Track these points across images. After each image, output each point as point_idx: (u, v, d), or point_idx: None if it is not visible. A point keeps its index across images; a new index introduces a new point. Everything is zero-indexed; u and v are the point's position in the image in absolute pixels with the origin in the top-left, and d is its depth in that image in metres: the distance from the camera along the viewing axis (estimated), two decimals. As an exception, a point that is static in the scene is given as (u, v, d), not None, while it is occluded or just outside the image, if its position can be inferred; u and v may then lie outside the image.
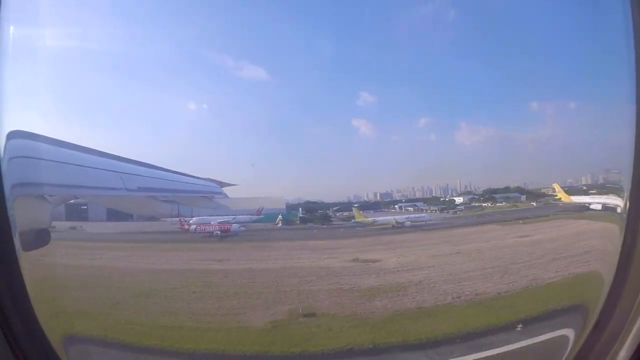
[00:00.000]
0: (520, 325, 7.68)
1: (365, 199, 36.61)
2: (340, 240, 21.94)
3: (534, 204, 23.27)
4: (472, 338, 7.52)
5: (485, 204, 25.42)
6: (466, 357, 7.10)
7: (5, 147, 3.80)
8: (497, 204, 24.81)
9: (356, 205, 34.28)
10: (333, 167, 32.90)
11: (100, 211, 30.77)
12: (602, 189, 15.53)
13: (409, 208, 29.66)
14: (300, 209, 31.88)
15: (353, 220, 25.70)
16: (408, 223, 22.87)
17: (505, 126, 29.99)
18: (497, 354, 6.99)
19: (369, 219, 25.24)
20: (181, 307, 12.82)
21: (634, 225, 2.67)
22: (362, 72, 30.41)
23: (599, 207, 11.36)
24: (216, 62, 31.51)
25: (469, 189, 30.77)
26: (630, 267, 2.66)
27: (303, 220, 29.57)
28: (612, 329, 2.63)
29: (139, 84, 33.16)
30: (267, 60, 30.37)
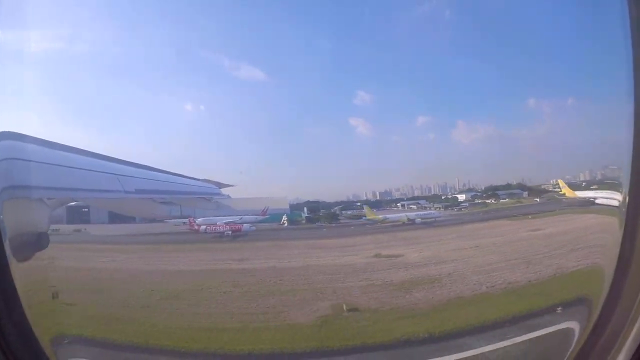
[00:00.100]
0: (559, 308, 8.56)
1: (365, 198, 37.21)
2: (354, 238, 22.67)
3: (538, 199, 24.45)
4: (520, 320, 8.37)
5: (489, 201, 26.76)
6: (488, 346, 7.87)
7: None
8: (501, 201, 26.18)
9: (358, 203, 35.30)
10: (331, 167, 32.93)
11: (102, 214, 30.39)
12: (601, 185, 16.71)
13: (412, 206, 30.66)
14: (305, 208, 32.39)
15: (364, 218, 26.48)
16: (419, 220, 23.87)
17: (503, 124, 30.52)
18: (540, 336, 7.76)
19: (380, 217, 26.11)
20: (216, 308, 13.00)
21: (634, 220, 2.73)
22: (360, 71, 30.61)
23: (605, 201, 12.33)
24: (213, 62, 31.52)
25: (468, 187, 32.10)
26: (631, 264, 2.71)
27: (309, 220, 30.12)
28: (613, 326, 2.69)
29: (135, 85, 32.78)
30: (264, 61, 30.52)
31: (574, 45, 22.37)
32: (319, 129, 34.43)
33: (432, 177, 33.62)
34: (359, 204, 35.30)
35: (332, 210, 31.88)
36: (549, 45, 22.66)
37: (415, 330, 9.09)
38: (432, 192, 36.14)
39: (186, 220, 31.12)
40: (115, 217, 29.86)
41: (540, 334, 7.54)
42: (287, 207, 32.58)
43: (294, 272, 16.50)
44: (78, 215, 28.96)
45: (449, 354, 7.77)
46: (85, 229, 28.22)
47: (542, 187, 25.25)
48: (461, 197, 28.72)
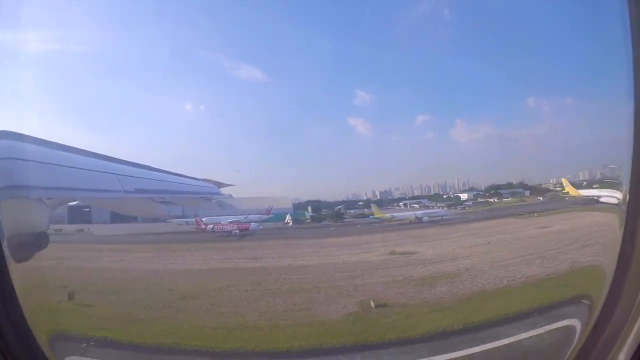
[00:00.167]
0: (586, 301, 9.16)
1: (365, 197, 37.79)
2: (363, 236, 23.14)
3: (541, 198, 25.18)
4: (549, 310, 8.97)
5: (491, 200, 27.63)
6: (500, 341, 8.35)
7: None
8: (503, 200, 27.05)
9: (360, 203, 35.88)
10: (331, 167, 33.60)
11: (104, 213, 30.22)
12: (603, 184, 17.44)
13: (415, 205, 31.33)
14: (308, 207, 32.75)
15: (371, 217, 27.03)
16: (426, 218, 24.53)
17: (503, 124, 31.16)
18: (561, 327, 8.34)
19: (387, 215, 26.71)
20: (241, 307, 13.11)
21: (634, 219, 2.75)
22: (360, 71, 31.24)
23: (610, 200, 12.99)
24: (213, 62, 31.82)
25: (467, 187, 32.92)
26: (631, 263, 2.74)
27: (314, 219, 30.50)
28: (614, 324, 2.72)
29: (135, 85, 32.85)
30: (264, 61, 30.92)
31: (574, 45, 22.93)
32: (318, 129, 34.95)
33: (431, 177, 34.22)
34: (361, 203, 35.89)
35: (336, 209, 32.40)
36: (549, 44, 23.14)
37: (449, 322, 9.54)
38: (432, 192, 36.97)
39: (189, 219, 31.23)
40: (116, 217, 29.74)
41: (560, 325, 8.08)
42: (291, 206, 32.91)
43: (311, 270, 16.83)
44: (79, 215, 28.73)
45: (483, 344, 8.30)
46: (88, 229, 28.08)
47: (543, 186, 26.15)
48: (463, 196, 29.49)
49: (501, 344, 8.24)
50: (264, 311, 12.41)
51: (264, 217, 30.18)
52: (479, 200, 27.94)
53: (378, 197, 38.16)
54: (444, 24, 29.76)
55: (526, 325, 8.59)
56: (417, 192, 36.64)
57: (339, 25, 29.42)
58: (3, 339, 2.86)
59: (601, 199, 15.98)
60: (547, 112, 28.01)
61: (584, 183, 20.66)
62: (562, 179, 22.13)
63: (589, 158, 21.44)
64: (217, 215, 29.97)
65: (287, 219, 30.91)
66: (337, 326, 10.57)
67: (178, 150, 30.34)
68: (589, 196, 18.53)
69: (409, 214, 26.05)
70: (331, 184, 34.11)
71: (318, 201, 34.57)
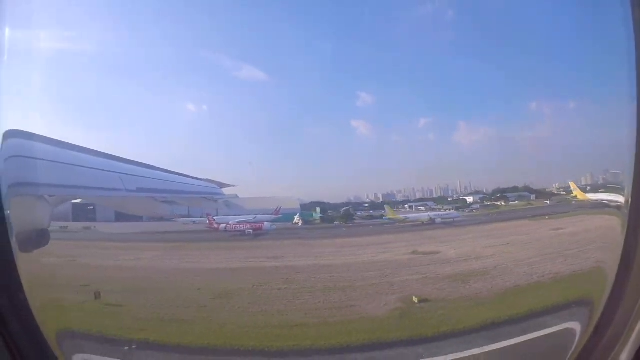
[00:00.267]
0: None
1: (366, 199, 38.60)
2: (379, 237, 23.98)
3: (548, 202, 26.54)
4: (587, 304, 9.99)
5: (498, 203, 29.00)
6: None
7: (2, 146, 3.93)
8: (510, 203, 28.42)
9: (366, 204, 36.76)
10: (333, 168, 33.96)
11: (109, 212, 30.07)
12: (607, 188, 18.40)
13: (421, 207, 32.42)
14: (317, 208, 33.36)
15: (385, 217, 27.93)
16: (439, 220, 25.65)
17: (505, 126, 31.89)
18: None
19: (401, 216, 27.69)
20: (281, 305, 13.52)
21: (636, 222, 2.83)
22: (362, 72, 31.26)
23: (619, 204, 13.96)
24: (214, 62, 32.10)
25: (469, 190, 34.24)
26: (633, 266, 2.81)
27: (324, 220, 31.15)
28: (615, 326, 2.81)
29: (138, 85, 32.79)
30: (265, 61, 31.15)
31: (577, 47, 23.27)
32: (320, 130, 35.39)
33: (433, 179, 35.00)
34: (366, 205, 36.86)
35: (343, 211, 33.15)
36: (552, 46, 23.41)
37: (493, 315, 10.46)
38: (434, 194, 38.28)
39: (196, 219, 31.44)
40: (121, 216, 29.65)
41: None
42: (298, 207, 33.48)
43: (339, 269, 17.46)
44: (84, 213, 28.56)
45: (533, 332, 9.22)
46: (94, 227, 27.84)
47: (547, 190, 27.58)
48: (469, 199, 30.75)
49: (545, 333, 9.18)
50: (308, 309, 12.94)
51: (273, 217, 30.62)
52: (486, 203, 29.22)
53: (381, 199, 39.17)
54: (447, 25, 30.03)
55: (572, 315, 9.53)
56: (419, 195, 37.68)
57: (341, 25, 29.88)
58: (11, 337, 2.88)
59: (610, 203, 16.84)
60: (550, 115, 28.35)
61: (588, 188, 21.89)
62: (570, 183, 23.13)
63: (592, 162, 22.10)
64: (224, 215, 30.34)
65: (295, 219, 31.44)
66: (386, 321, 11.30)
67: (180, 150, 30.41)
68: (597, 200, 19.38)
69: (423, 216, 27.11)
70: (333, 186, 34.52)
71: (319, 202, 35.29)
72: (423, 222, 26.00)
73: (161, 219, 29.10)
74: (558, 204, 24.82)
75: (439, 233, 22.96)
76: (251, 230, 26.60)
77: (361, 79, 31.28)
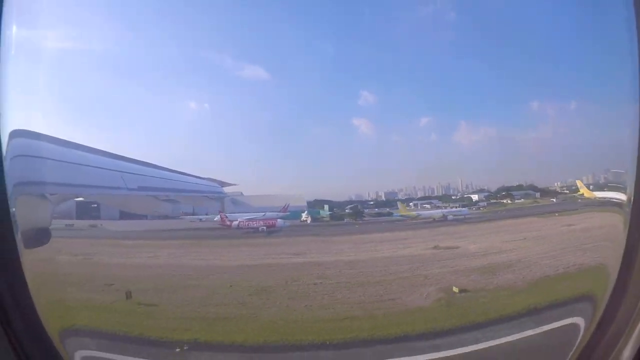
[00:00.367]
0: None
1: (368, 197, 39.55)
2: (395, 233, 24.71)
3: (554, 199, 27.93)
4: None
5: (504, 201, 30.50)
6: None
7: (7, 145, 3.96)
8: (516, 201, 29.96)
9: (371, 202, 37.72)
10: (334, 167, 34.58)
11: (113, 210, 29.86)
12: (610, 187, 19.62)
13: (426, 205, 33.63)
14: (325, 206, 34.01)
15: (397, 214, 28.90)
16: (451, 217, 26.87)
17: (506, 126, 33.35)
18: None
19: (414, 213, 28.76)
20: (323, 299, 13.77)
21: (638, 221, 2.89)
22: (364, 71, 32.03)
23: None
24: (216, 62, 32.61)
25: (470, 188, 35.71)
26: (635, 265, 2.89)
27: (333, 217, 31.86)
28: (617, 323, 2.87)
29: (140, 85, 33.03)
30: (267, 60, 31.69)
31: (578, 48, 24.12)
32: (321, 129, 36.35)
33: (435, 178, 36.11)
34: (371, 202, 37.82)
35: (348, 208, 33.99)
36: (553, 47, 24.28)
37: (533, 301, 11.41)
38: (435, 193, 39.66)
39: (202, 217, 31.59)
40: (125, 213, 29.49)
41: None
42: (305, 204, 34.07)
43: (366, 264, 18.02)
44: (88, 211, 28.23)
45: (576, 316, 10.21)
46: (101, 225, 27.56)
47: (550, 188, 29.18)
48: (474, 197, 32.16)
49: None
50: (351, 303, 13.21)
51: (281, 214, 31.11)
52: (492, 201, 30.67)
53: (384, 198, 40.30)
54: (449, 25, 30.94)
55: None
56: (420, 194, 38.97)
57: (342, 25, 30.55)
58: (15, 335, 2.91)
59: (618, 201, 17.96)
60: (551, 115, 29.71)
61: (590, 186, 23.34)
62: (576, 181, 24.31)
63: (594, 161, 23.14)
64: (231, 213, 30.63)
65: (303, 216, 31.99)
66: (434, 311, 11.87)
67: (181, 149, 30.62)
68: (604, 198, 20.02)
69: (435, 212, 28.27)
70: (334, 184, 35.14)
71: (325, 200, 35.94)
72: (435, 219, 27.16)
73: (166, 216, 29.11)
74: (564, 202, 26.13)
75: (453, 229, 23.99)
76: (264, 228, 26.98)
77: (363, 78, 32.04)
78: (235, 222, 27.42)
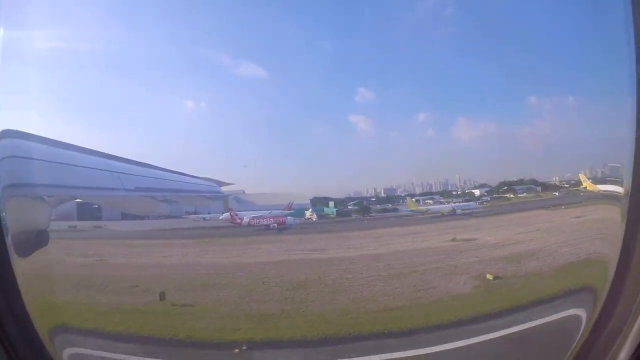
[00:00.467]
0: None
1: (366, 194, 40.42)
2: (407, 227, 25.53)
3: (557, 193, 29.21)
4: None
5: (507, 195, 31.97)
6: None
7: None
8: (519, 195, 31.43)
9: (373, 199, 38.59)
10: (332, 164, 34.52)
11: (114, 210, 29.47)
12: (609, 180, 20.85)
13: (428, 201, 34.80)
14: (330, 202, 34.53)
15: (407, 209, 29.80)
16: (459, 211, 28.03)
17: (504, 122, 33.46)
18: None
19: (423, 208, 29.74)
20: (363, 292, 14.20)
21: (636, 214, 2.96)
22: (362, 68, 32.04)
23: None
24: (213, 60, 32.52)
25: (468, 184, 37.15)
26: (630, 266, 2.96)
27: (339, 213, 32.45)
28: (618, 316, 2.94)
29: (136, 83, 32.65)
30: (264, 58, 31.80)
31: (576, 43, 23.72)
32: (319, 127, 36.49)
33: (432, 174, 36.95)
34: (373, 199, 38.70)
35: (356, 203, 34.72)
36: (551, 43, 24.35)
37: (564, 285, 12.33)
38: (434, 189, 41.01)
39: (206, 215, 31.52)
40: (127, 214, 29.14)
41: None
42: (308, 202, 34.55)
43: (391, 258, 18.49)
44: (89, 212, 27.65)
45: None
46: (105, 225, 27.06)
47: (550, 182, 30.74)
48: (476, 192, 33.57)
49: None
50: (393, 293, 13.72)
51: (285, 212, 31.47)
52: (494, 195, 32.12)
53: (383, 194, 41.29)
54: (446, 22, 31.67)
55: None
56: (418, 190, 40.24)
57: (340, 22, 30.37)
58: (8, 338, 2.93)
59: (622, 194, 19.15)
60: (549, 110, 30.40)
61: (590, 180, 24.84)
62: (579, 175, 25.23)
63: (592, 155, 23.09)
64: (237, 211, 30.70)
65: (307, 214, 32.45)
66: (477, 296, 12.58)
67: (179, 148, 30.57)
68: (607, 191, 21.35)
69: (443, 207, 29.36)
70: (332, 181, 35.30)
71: (326, 198, 36.48)
72: (443, 214, 28.27)
73: (169, 216, 28.84)
74: (566, 195, 27.23)
75: (463, 223, 25.03)
76: (275, 225, 27.25)
77: (360, 75, 32.54)
78: (246, 220, 27.50)
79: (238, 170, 35.14)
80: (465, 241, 20.04)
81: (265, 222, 27.41)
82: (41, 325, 3.52)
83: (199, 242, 24.08)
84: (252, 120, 36.20)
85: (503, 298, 12.23)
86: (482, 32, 30.61)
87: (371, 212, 31.81)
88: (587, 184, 24.14)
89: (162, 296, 13.86)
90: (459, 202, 31.43)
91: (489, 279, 14.06)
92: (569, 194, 27.20)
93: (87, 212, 27.00)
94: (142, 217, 28.16)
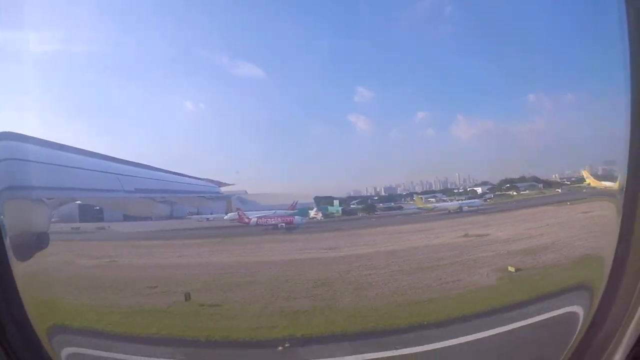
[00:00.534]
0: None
1: (366, 193, 40.97)
2: (417, 225, 26.06)
3: (559, 190, 29.88)
4: None
5: (510, 193, 32.86)
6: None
7: None
8: (521, 192, 32.30)
9: (375, 197, 39.18)
10: (332, 163, 35.31)
11: (116, 212, 29.33)
12: (606, 177, 21.55)
13: (431, 199, 35.50)
14: (335, 201, 34.90)
15: (411, 207, 30.40)
16: (466, 208, 28.75)
17: (502, 120, 34.35)
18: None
19: (430, 205, 30.38)
20: (389, 287, 14.51)
21: (631, 211, 3.02)
22: (360, 68, 32.91)
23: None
24: (212, 60, 33.00)
25: (467, 182, 38.06)
26: (628, 259, 3.03)
27: (345, 212, 32.87)
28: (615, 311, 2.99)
29: (135, 84, 32.95)
30: (263, 58, 32.50)
31: (573, 40, 24.84)
32: (318, 126, 37.19)
33: (432, 172, 38.13)
34: (376, 197, 39.25)
35: (360, 202, 35.23)
36: (548, 42, 25.02)
37: (591, 273, 13.00)
38: (434, 187, 41.84)
39: (209, 216, 31.54)
40: (129, 215, 28.99)
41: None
42: (312, 201, 34.88)
43: (407, 253, 19.00)
44: (91, 214, 27.39)
45: None
46: (109, 227, 26.81)
47: (551, 180, 31.72)
48: (478, 189, 34.39)
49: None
50: (420, 287, 14.14)
51: (290, 211, 31.72)
52: (497, 193, 33.01)
53: (383, 193, 41.92)
54: (445, 21, 32.21)
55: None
56: (417, 188, 41.00)
57: (339, 22, 31.23)
58: (7, 339, 2.95)
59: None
60: (547, 108, 30.84)
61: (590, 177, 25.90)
62: (582, 172, 25.71)
63: (592, 152, 24.22)
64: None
65: (312, 213, 32.76)
66: (502, 287, 13.13)
67: (178, 149, 30.79)
68: (611, 187, 22.06)
69: (450, 205, 30.07)
70: (333, 180, 35.82)
71: (328, 197, 36.87)
72: (450, 211, 28.99)
73: (172, 217, 28.78)
74: (569, 192, 28.12)
75: (471, 219, 25.47)
76: (284, 224, 27.44)
77: (359, 74, 33.36)
78: (254, 219, 27.62)
79: (238, 170, 35.23)
80: (478, 237, 20.66)
81: (273, 222, 27.53)
82: (40, 325, 3.58)
83: (209, 242, 24.08)
84: (251, 120, 36.63)
85: (528, 288, 12.77)
86: (481, 31, 31.85)
87: (377, 211, 32.28)
88: (591, 180, 24.77)
89: (187, 297, 13.79)
90: (463, 200, 32.16)
91: (510, 271, 14.63)
92: (572, 191, 28.08)
93: (89, 213, 26.69)
94: (144, 218, 27.96)
